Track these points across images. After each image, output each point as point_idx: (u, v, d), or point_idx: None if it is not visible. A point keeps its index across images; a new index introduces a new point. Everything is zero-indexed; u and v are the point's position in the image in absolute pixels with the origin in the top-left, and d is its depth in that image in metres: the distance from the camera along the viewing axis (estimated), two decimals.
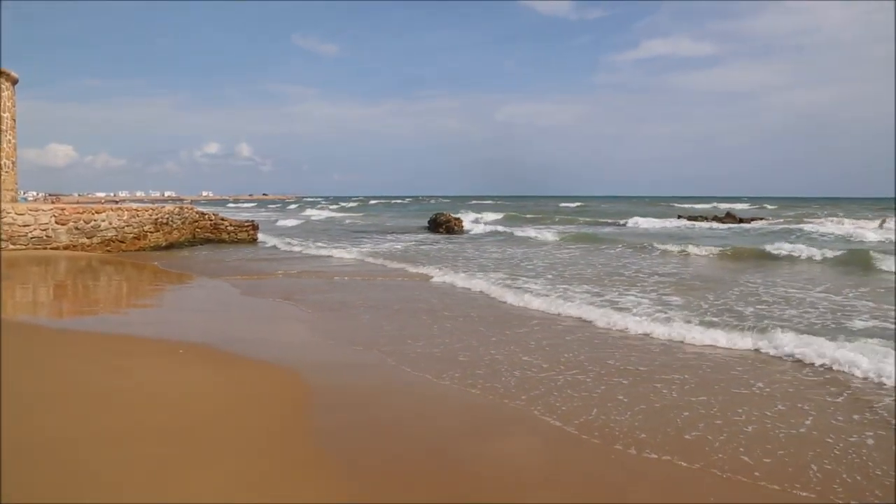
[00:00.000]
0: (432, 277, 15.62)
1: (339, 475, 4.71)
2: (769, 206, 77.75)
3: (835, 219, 43.65)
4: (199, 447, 5.12)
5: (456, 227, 34.85)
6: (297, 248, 24.95)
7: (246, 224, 29.16)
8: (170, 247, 24.27)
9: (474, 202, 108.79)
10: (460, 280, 14.82)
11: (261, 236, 28.83)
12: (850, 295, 12.69)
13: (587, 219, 50.74)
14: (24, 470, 4.53)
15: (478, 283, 14.14)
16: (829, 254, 19.12)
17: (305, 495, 4.37)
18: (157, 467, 4.69)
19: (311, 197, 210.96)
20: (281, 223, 46.56)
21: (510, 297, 12.41)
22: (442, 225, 35.19)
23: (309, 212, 71.86)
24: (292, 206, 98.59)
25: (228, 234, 27.91)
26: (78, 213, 21.67)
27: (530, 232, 31.45)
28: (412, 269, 17.35)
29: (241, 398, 6.44)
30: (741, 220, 44.91)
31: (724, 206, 72.02)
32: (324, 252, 23.37)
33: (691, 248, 21.46)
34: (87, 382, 6.79)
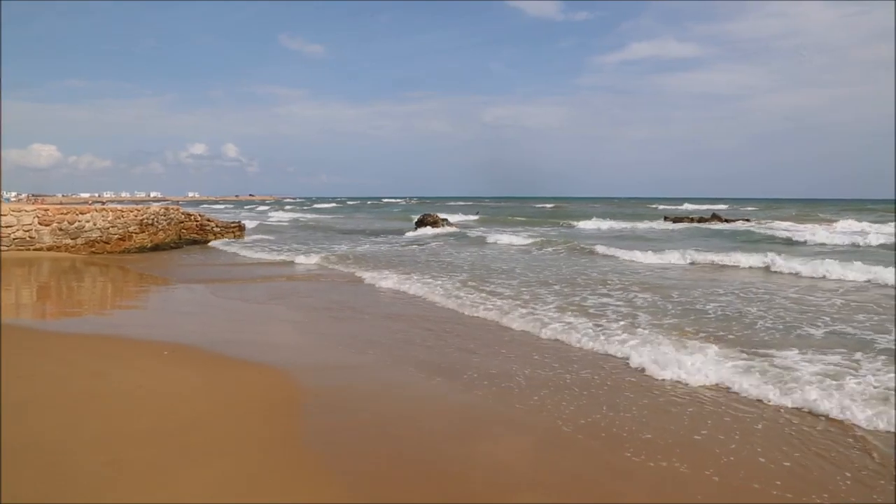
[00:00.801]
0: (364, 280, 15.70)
1: (332, 476, 4.70)
2: (749, 208, 78.09)
3: (818, 223, 43.95)
4: (189, 449, 5.09)
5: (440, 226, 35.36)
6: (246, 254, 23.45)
7: (232, 225, 29.02)
8: (155, 248, 24.06)
9: (451, 203, 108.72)
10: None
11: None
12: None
13: (555, 220, 50.78)
14: (12, 473, 4.47)
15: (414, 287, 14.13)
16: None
17: (297, 497, 4.36)
18: (145, 469, 4.66)
19: (293, 198, 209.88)
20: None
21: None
22: (429, 225, 35.80)
23: (277, 214, 70.40)
24: (263, 208, 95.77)
25: (215, 234, 27.74)
26: (62, 213, 21.44)
27: (495, 236, 30.31)
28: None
29: (230, 399, 6.40)
30: (726, 220, 45.42)
31: (693, 207, 72.87)
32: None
33: (617, 252, 21.12)
34: (72, 385, 6.71)
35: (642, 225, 43.53)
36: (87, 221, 21.85)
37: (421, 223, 36.62)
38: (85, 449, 4.99)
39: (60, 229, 21.08)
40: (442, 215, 40.24)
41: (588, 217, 50.72)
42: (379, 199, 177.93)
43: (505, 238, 28.64)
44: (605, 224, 43.85)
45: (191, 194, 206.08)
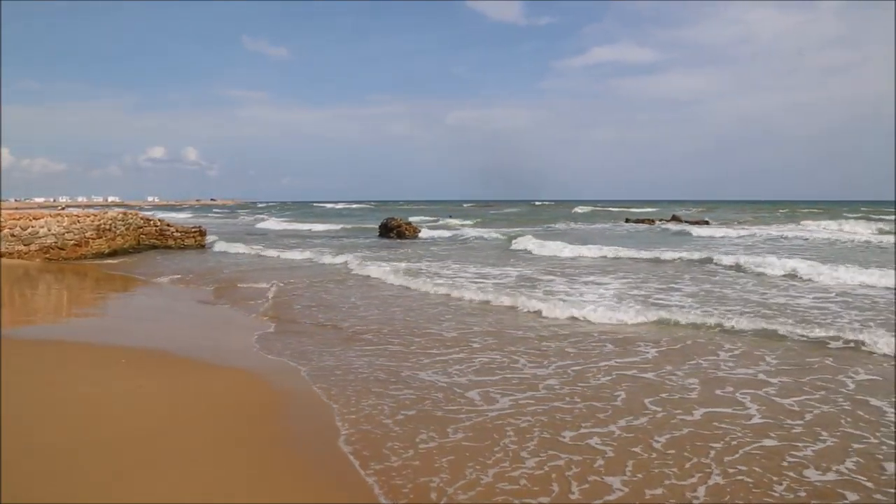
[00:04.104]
0: None
1: (309, 480, 4.73)
2: (686, 210, 79.26)
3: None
4: (178, 451, 5.12)
5: (408, 233, 34.91)
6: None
7: (193, 230, 28.55)
8: (113, 254, 23.58)
9: (404, 207, 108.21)
10: None
11: None
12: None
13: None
14: None
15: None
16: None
17: (295, 498, 4.42)
18: (141, 472, 4.64)
19: (250, 202, 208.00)
20: None
21: None
22: (393, 230, 35.33)
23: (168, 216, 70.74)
24: (182, 214, 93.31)
25: (175, 240, 27.25)
26: (14, 219, 20.87)
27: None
28: None
29: (210, 402, 6.36)
30: (686, 222, 46.70)
31: (652, 209, 74.30)
32: None
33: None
34: (27, 393, 6.59)
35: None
36: (42, 227, 21.31)
37: (385, 227, 36.46)
38: (40, 458, 4.93)
39: (13, 235, 20.52)
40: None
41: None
42: (309, 202, 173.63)
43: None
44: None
45: (150, 198, 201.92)
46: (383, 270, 16.89)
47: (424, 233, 36.32)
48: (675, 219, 49.05)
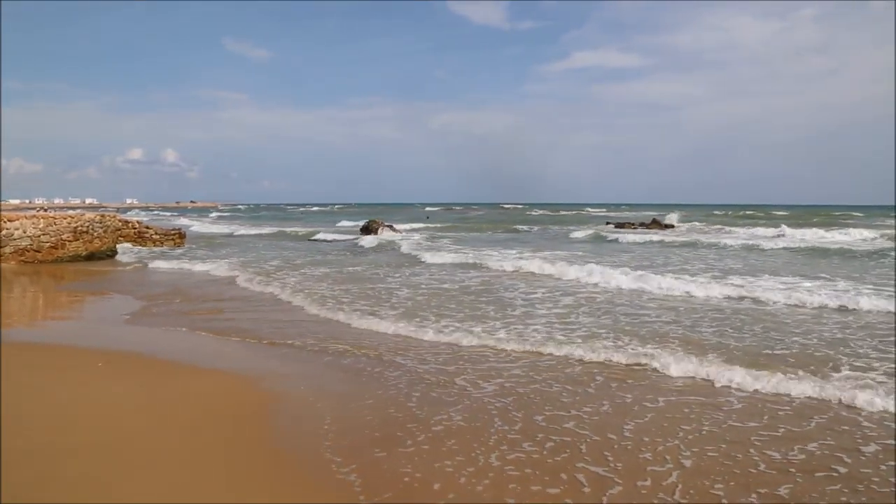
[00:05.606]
0: None
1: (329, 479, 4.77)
2: (651, 213, 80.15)
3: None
4: (178, 452, 5.14)
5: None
6: None
7: (172, 232, 28.32)
8: (90, 256, 23.26)
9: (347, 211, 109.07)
10: None
11: None
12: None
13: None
14: None
15: None
16: None
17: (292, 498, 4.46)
18: (147, 473, 4.62)
19: (233, 203, 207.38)
20: None
21: None
22: (373, 231, 36.34)
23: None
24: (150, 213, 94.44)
25: (154, 242, 26.99)
26: None
27: None
28: None
29: (202, 404, 6.34)
30: (666, 226, 47.13)
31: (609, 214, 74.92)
32: None
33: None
34: (23, 394, 6.52)
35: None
36: (17, 229, 21.01)
37: (366, 229, 37.10)
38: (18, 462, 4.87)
39: None
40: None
41: None
42: (285, 205, 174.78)
43: None
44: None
45: (129, 201, 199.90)
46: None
47: (387, 234, 35.96)
48: (655, 222, 49.53)
